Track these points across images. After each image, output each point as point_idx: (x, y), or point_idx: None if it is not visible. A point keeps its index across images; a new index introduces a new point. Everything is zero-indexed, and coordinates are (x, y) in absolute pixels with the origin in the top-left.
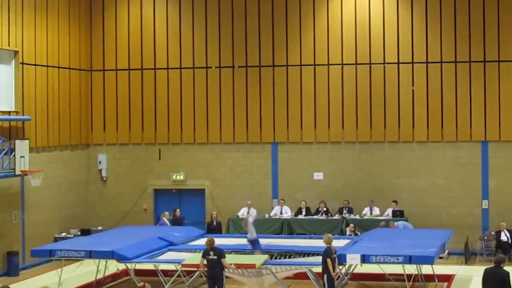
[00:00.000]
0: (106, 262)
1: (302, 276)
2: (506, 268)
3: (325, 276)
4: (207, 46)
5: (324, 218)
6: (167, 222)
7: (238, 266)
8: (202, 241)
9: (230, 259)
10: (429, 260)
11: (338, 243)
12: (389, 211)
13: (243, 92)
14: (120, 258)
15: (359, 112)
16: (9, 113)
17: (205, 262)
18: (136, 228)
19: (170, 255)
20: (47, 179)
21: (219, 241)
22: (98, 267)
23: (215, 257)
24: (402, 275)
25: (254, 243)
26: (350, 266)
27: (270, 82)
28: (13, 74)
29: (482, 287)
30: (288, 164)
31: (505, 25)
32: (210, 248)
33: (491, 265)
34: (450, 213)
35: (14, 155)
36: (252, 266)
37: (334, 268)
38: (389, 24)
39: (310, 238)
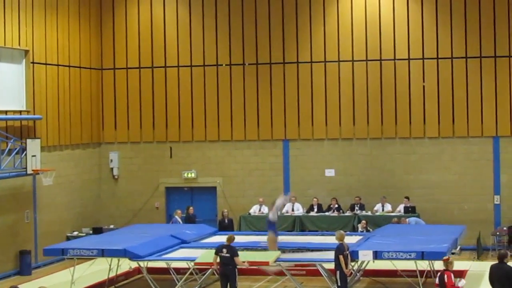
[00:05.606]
0: (119, 260)
1: (314, 272)
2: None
3: (338, 272)
4: (217, 43)
5: (336, 214)
6: (179, 220)
7: (251, 263)
8: (214, 239)
9: (242, 256)
10: (441, 256)
11: (350, 239)
12: (401, 207)
13: (253, 90)
14: (133, 256)
15: (370, 108)
16: (20, 112)
17: (218, 259)
18: (148, 226)
19: (182, 253)
20: (58, 178)
21: None
22: (110, 265)
23: (228, 254)
24: (415, 271)
25: (271, 224)
26: (363, 262)
27: (281, 79)
28: (23, 73)
29: (489, 282)
30: (299, 161)
31: None
32: (224, 245)
33: None
34: (462, 209)
35: (26, 154)
36: (266, 263)
37: (347, 264)
38: (400, 20)
39: (322, 234)
